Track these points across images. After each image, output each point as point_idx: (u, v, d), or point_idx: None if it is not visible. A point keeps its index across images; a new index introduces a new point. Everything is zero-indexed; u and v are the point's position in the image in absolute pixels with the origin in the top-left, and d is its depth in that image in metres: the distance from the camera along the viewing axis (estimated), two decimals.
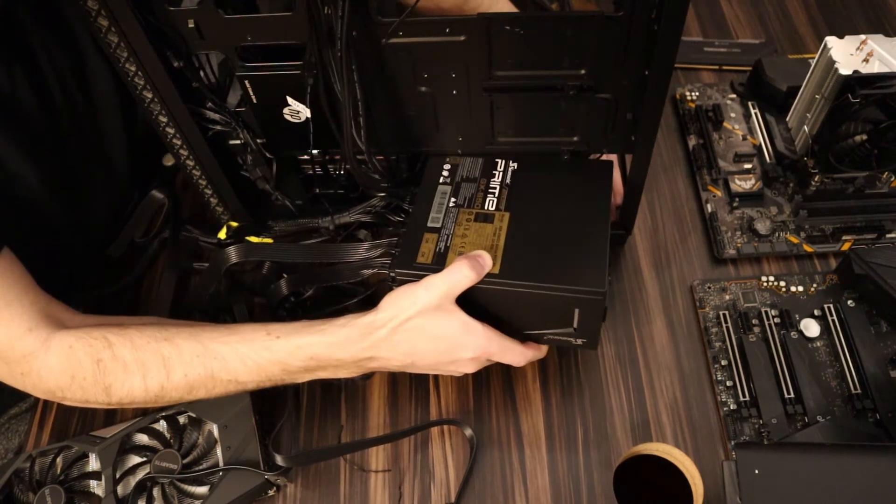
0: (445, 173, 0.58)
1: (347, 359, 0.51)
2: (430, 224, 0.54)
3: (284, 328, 0.51)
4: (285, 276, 0.63)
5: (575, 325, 0.52)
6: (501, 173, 0.58)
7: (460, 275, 0.49)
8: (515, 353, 0.53)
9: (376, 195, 0.62)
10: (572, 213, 0.54)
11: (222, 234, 0.67)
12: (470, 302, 0.51)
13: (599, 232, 0.53)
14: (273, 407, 0.61)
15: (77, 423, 0.62)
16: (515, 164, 0.58)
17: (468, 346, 0.51)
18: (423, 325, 0.50)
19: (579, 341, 0.53)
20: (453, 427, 0.60)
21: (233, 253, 0.62)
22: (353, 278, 0.59)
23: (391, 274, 0.53)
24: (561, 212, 0.54)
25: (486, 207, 0.55)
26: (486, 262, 0.51)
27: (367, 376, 0.62)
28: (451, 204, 0.56)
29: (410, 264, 0.52)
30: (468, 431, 0.59)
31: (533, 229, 0.53)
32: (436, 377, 0.63)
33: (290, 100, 0.53)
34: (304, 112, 0.55)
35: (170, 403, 0.53)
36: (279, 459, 0.55)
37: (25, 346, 0.48)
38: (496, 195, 0.56)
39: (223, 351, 0.50)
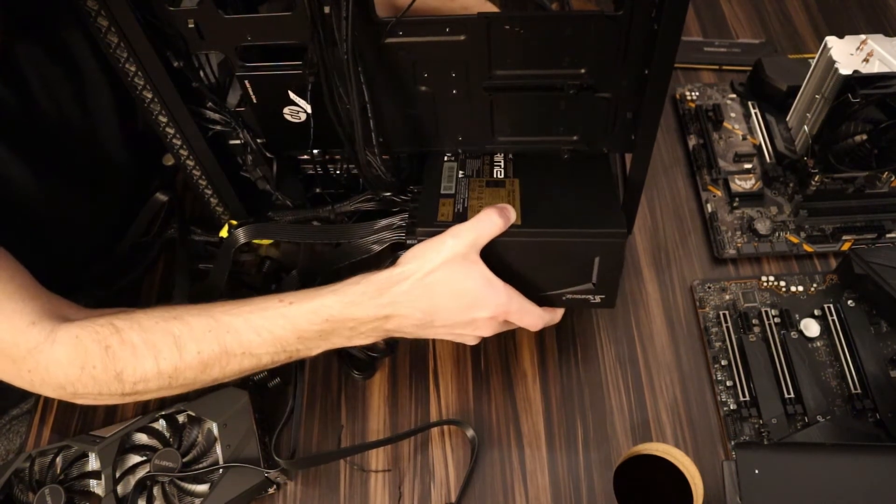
0: (449, 153, 0.59)
1: (363, 317, 0.49)
2: (444, 192, 0.55)
3: (297, 294, 0.50)
4: (293, 272, 0.62)
5: (594, 279, 0.52)
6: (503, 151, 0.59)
7: (489, 221, 0.49)
8: (534, 316, 0.52)
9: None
10: (578, 176, 0.56)
11: (223, 233, 0.67)
12: (489, 259, 0.50)
13: (608, 188, 0.54)
14: (273, 406, 0.61)
15: (77, 422, 0.62)
16: None
17: (489, 303, 0.49)
18: (447, 278, 0.48)
19: (597, 298, 0.54)
20: (453, 427, 0.60)
21: (241, 234, 0.61)
22: (364, 254, 0.58)
23: (409, 240, 0.52)
24: (567, 175, 0.56)
25: (495, 176, 0.56)
26: (512, 213, 0.50)
27: (369, 375, 0.63)
28: (461, 175, 0.56)
29: (432, 223, 0.51)
30: (470, 432, 0.59)
31: (545, 190, 0.54)
32: (436, 377, 0.63)
33: (294, 97, 0.53)
34: (305, 112, 0.55)
35: (184, 387, 0.51)
36: (281, 464, 0.55)
37: (30, 341, 0.47)
38: (502, 166, 0.57)
39: (236, 323, 0.49)
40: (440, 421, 0.60)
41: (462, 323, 0.50)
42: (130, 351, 0.48)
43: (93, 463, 0.57)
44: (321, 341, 0.51)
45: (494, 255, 0.50)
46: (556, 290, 0.54)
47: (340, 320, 0.49)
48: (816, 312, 0.63)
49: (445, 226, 0.50)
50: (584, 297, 0.54)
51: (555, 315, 0.55)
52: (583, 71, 0.50)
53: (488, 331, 0.51)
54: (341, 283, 0.50)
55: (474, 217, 0.49)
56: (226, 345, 0.49)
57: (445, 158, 0.58)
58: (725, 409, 0.59)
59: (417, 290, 0.48)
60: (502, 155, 0.58)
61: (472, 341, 0.53)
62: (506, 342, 0.64)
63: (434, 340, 0.65)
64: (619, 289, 0.54)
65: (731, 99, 0.78)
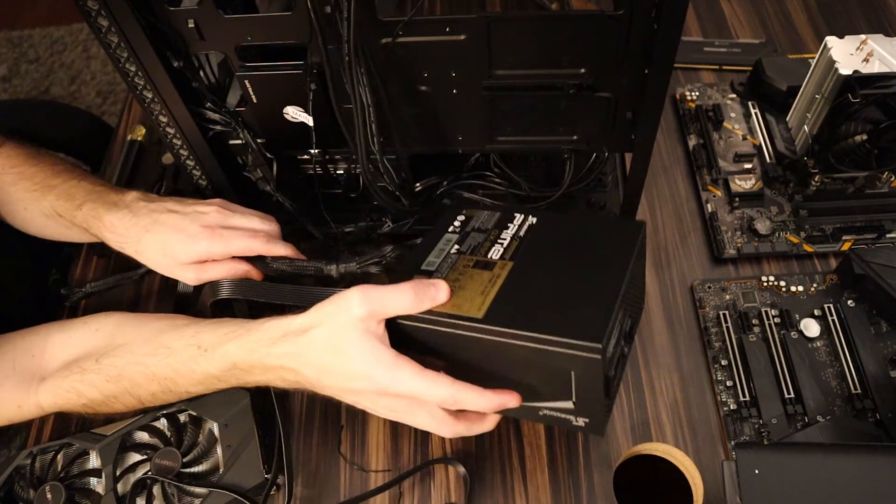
0: (457, 223, 0.54)
1: (262, 366, 0.47)
2: (423, 267, 0.49)
3: (213, 337, 0.49)
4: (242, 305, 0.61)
5: (573, 396, 0.43)
6: (517, 227, 0.52)
7: (399, 295, 0.44)
8: (441, 390, 0.43)
9: (385, 220, 0.61)
10: (583, 270, 0.47)
11: None
12: (451, 353, 0.46)
13: (610, 287, 0.45)
14: (272, 406, 0.61)
15: (78, 420, 0.62)
16: (535, 220, 0.52)
17: (373, 376, 0.43)
18: (337, 341, 0.44)
19: (580, 421, 0.44)
20: None
21: (224, 289, 0.57)
22: None
23: None
24: (571, 268, 0.48)
25: (488, 256, 0.49)
26: (440, 294, 0.45)
27: None
28: (454, 251, 0.51)
29: None
30: (461, 469, 0.57)
31: (534, 281, 0.47)
32: None
33: (292, 99, 0.53)
34: (305, 112, 0.55)
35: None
36: None
37: (23, 417, 0.55)
38: (504, 246, 0.50)
39: (167, 372, 0.51)
40: (438, 459, 0.58)
41: (347, 390, 0.45)
42: (101, 404, 0.54)
43: (93, 461, 0.57)
44: (243, 381, 0.50)
45: (454, 350, 0.45)
46: (531, 402, 0.45)
47: (247, 366, 0.47)
48: (816, 312, 0.63)
49: None
50: (565, 416, 0.45)
51: (486, 401, 0.44)
52: (583, 71, 0.50)
53: (382, 409, 0.46)
54: (248, 328, 0.48)
55: (390, 286, 0.44)
56: (169, 387, 0.52)
57: (451, 228, 0.53)
58: (725, 409, 0.59)
59: (306, 348, 0.45)
60: (513, 232, 0.51)
61: (382, 414, 0.47)
62: None
63: None
64: (609, 414, 0.45)
65: (731, 99, 0.78)
